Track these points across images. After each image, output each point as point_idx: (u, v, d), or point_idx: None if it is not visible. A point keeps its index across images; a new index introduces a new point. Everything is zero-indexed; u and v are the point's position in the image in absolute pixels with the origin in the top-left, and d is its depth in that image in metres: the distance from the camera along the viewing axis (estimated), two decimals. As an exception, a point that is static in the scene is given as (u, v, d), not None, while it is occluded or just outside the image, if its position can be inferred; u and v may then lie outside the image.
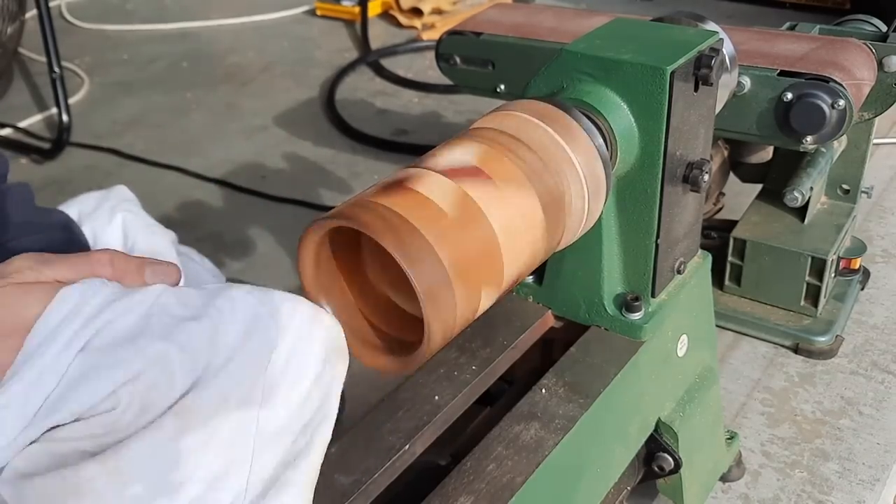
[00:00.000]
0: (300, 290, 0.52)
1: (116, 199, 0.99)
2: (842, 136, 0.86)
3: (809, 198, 1.04)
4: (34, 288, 0.47)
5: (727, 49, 0.75)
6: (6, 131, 1.83)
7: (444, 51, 1.07)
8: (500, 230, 0.49)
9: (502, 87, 1.03)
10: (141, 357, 0.43)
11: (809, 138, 0.86)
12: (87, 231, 0.89)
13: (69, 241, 0.83)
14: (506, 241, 0.49)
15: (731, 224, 1.11)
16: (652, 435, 0.71)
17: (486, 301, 0.49)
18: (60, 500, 0.41)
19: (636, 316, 0.65)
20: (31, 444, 0.44)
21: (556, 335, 0.70)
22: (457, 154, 0.51)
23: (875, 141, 1.18)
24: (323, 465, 0.56)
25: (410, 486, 0.58)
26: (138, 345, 0.43)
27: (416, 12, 2.28)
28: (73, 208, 0.93)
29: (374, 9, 2.30)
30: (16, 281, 0.47)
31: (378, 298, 0.53)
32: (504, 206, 0.50)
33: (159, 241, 0.89)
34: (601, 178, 0.55)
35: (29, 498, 0.42)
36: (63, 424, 0.44)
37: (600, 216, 0.60)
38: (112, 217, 0.94)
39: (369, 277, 0.53)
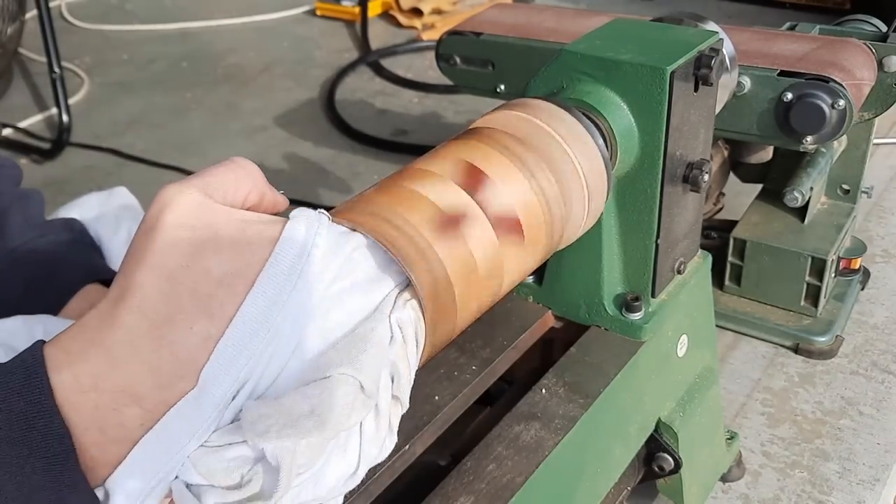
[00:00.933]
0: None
1: (119, 206, 1.00)
2: (842, 136, 0.86)
3: (809, 198, 1.04)
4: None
5: (727, 49, 0.75)
6: (6, 131, 1.83)
7: (444, 51, 1.07)
8: (507, 283, 0.50)
9: (502, 87, 1.03)
10: None
11: (809, 138, 0.86)
12: (91, 237, 0.90)
13: (75, 241, 0.83)
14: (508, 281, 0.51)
15: (731, 224, 1.11)
16: (652, 435, 0.71)
17: (486, 301, 0.50)
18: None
19: (636, 316, 0.65)
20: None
21: (556, 335, 0.70)
22: (507, 192, 0.50)
23: (875, 141, 1.18)
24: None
25: (410, 486, 0.58)
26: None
27: (416, 12, 2.28)
28: (74, 211, 0.93)
29: (374, 9, 2.30)
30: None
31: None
32: (524, 263, 0.51)
33: None
34: (601, 178, 0.55)
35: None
36: None
37: (600, 216, 0.60)
38: (118, 226, 0.94)
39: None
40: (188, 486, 0.40)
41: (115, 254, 0.88)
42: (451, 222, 0.46)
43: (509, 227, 0.49)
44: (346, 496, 0.50)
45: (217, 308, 0.39)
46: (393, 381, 0.43)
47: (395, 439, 0.44)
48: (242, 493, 0.38)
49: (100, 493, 0.40)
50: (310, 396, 0.38)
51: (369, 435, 0.42)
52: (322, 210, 0.44)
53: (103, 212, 0.96)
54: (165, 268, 0.39)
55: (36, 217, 0.81)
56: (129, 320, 0.39)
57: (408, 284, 0.44)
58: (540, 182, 0.51)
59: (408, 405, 0.44)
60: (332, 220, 0.44)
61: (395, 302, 0.43)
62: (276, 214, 0.45)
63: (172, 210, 0.41)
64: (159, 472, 0.39)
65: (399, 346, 0.43)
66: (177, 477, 0.40)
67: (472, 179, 0.49)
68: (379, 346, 0.41)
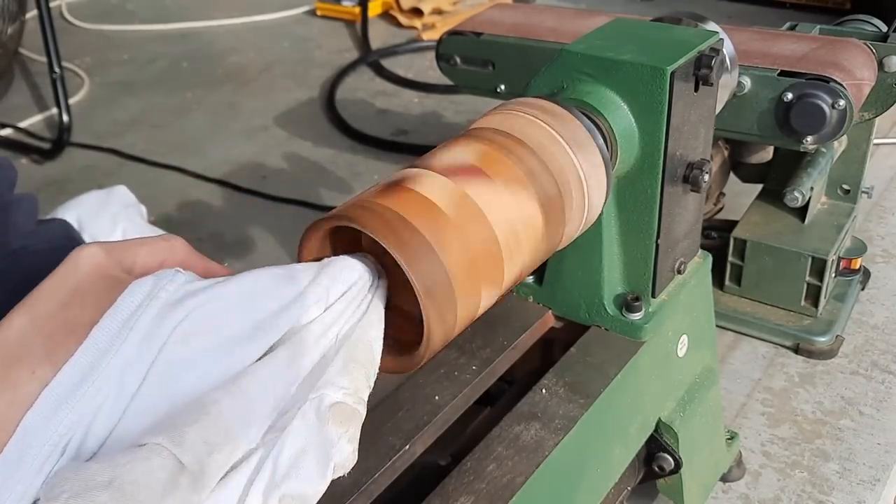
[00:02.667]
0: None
1: (118, 205, 1.00)
2: (842, 136, 0.86)
3: (810, 198, 1.04)
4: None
5: (727, 49, 0.75)
6: (6, 131, 1.83)
7: (444, 51, 1.07)
8: (500, 230, 0.49)
9: (502, 87, 1.03)
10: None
11: (810, 138, 0.86)
12: (87, 238, 0.90)
13: (66, 248, 0.83)
14: (506, 240, 0.49)
15: (732, 224, 1.11)
16: (652, 435, 0.71)
17: (486, 301, 0.49)
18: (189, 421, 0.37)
19: (636, 316, 0.65)
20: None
21: (556, 335, 0.70)
22: (456, 154, 0.51)
23: (875, 141, 1.19)
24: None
25: (410, 486, 0.58)
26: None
27: (417, 12, 2.28)
28: (72, 211, 0.93)
29: (374, 9, 2.30)
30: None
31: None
32: (504, 206, 0.49)
33: None
34: (601, 178, 0.55)
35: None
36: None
37: (600, 216, 0.60)
38: (115, 226, 0.94)
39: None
40: None
41: None
42: (394, 184, 0.47)
43: (465, 172, 0.49)
44: (346, 496, 0.50)
45: (62, 356, 0.40)
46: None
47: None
48: None
49: None
50: (114, 465, 0.35)
51: None
52: (180, 270, 0.43)
53: (101, 212, 0.96)
54: (33, 310, 0.41)
55: (26, 224, 0.81)
56: None
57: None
58: (540, 182, 0.51)
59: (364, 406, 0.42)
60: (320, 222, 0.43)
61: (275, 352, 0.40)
62: None
63: (67, 264, 0.43)
64: None
65: (323, 482, 0.39)
66: None
67: (464, 172, 0.49)
68: (218, 418, 0.37)
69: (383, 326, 0.45)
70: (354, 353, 0.42)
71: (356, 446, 0.41)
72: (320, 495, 0.40)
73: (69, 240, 0.83)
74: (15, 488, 0.37)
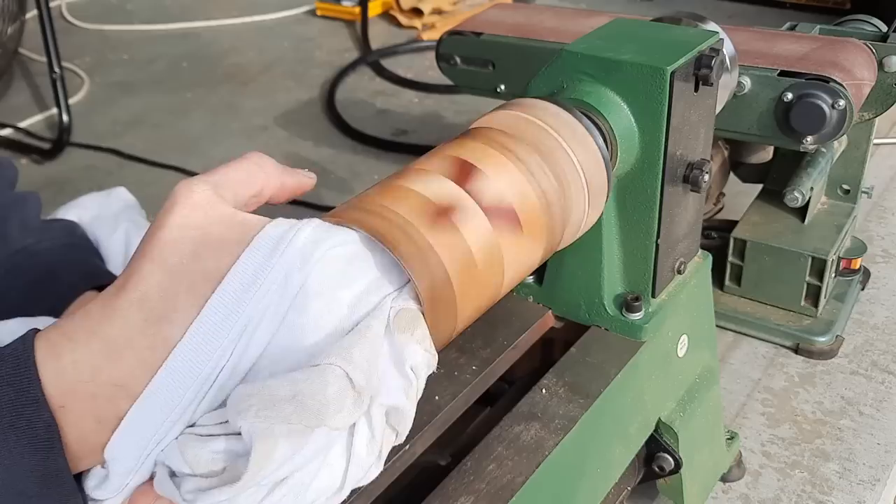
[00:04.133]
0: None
1: (118, 206, 1.00)
2: (842, 136, 0.86)
3: (810, 198, 1.04)
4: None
5: (727, 49, 0.75)
6: (6, 131, 1.83)
7: (444, 51, 1.07)
8: (508, 278, 0.50)
9: (502, 87, 1.03)
10: None
11: (810, 138, 0.86)
12: (91, 238, 0.90)
13: (74, 245, 0.83)
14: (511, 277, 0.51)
15: (732, 224, 1.11)
16: (652, 435, 0.71)
17: (486, 302, 0.50)
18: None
19: (636, 316, 0.65)
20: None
21: (556, 335, 0.70)
22: (502, 184, 0.50)
23: (875, 141, 1.19)
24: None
25: (410, 486, 0.58)
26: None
27: (417, 12, 2.28)
28: (72, 212, 0.93)
29: (374, 9, 2.30)
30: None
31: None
32: (524, 255, 0.50)
33: None
34: (601, 178, 0.55)
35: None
36: None
37: (600, 216, 0.60)
38: (116, 227, 0.94)
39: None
40: (171, 472, 0.40)
41: (113, 254, 0.88)
42: (442, 213, 0.46)
43: (504, 216, 0.49)
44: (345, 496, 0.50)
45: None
46: (391, 414, 0.42)
47: (381, 468, 0.43)
48: (219, 482, 0.38)
49: (97, 472, 0.41)
50: (294, 381, 0.38)
51: (359, 455, 0.41)
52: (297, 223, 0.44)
53: (102, 213, 0.95)
54: (166, 263, 0.40)
55: (33, 220, 0.81)
56: (129, 313, 0.40)
57: (405, 284, 0.44)
58: (540, 182, 0.51)
59: (403, 439, 0.44)
60: (325, 219, 0.44)
61: (390, 308, 0.43)
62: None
63: (180, 208, 0.42)
64: (146, 448, 0.40)
65: (410, 384, 0.43)
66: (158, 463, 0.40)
67: (462, 172, 0.49)
68: (373, 343, 0.41)
69: None
70: None
71: (428, 346, 0.43)
72: (413, 403, 0.43)
73: (77, 237, 0.83)
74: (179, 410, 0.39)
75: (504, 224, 0.49)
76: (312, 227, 0.42)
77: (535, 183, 0.51)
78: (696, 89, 0.60)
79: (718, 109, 0.72)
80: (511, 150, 0.52)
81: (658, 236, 0.63)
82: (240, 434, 0.38)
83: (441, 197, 0.47)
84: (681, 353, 0.71)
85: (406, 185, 0.47)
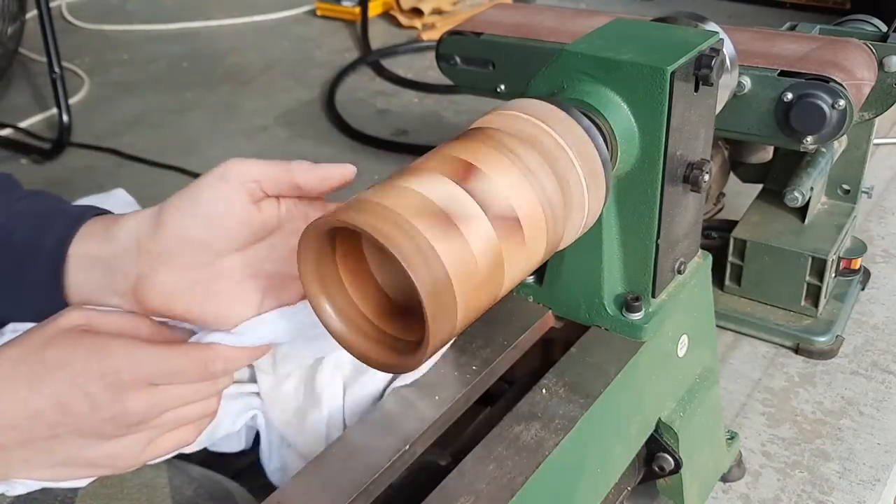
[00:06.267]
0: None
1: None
2: (842, 136, 0.86)
3: (810, 198, 1.04)
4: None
5: (727, 49, 0.75)
6: (6, 131, 1.83)
7: (444, 51, 1.07)
8: (509, 278, 0.50)
9: (502, 87, 1.03)
10: None
11: (810, 138, 0.86)
12: None
13: (65, 202, 0.81)
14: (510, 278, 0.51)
15: (732, 224, 1.11)
16: (652, 435, 0.71)
17: (487, 302, 0.50)
18: None
19: (636, 316, 0.65)
20: None
21: (556, 335, 0.70)
22: (503, 185, 0.50)
23: (875, 141, 1.19)
24: (323, 465, 0.56)
25: (410, 486, 0.58)
26: None
27: (417, 12, 2.28)
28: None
29: (374, 9, 2.30)
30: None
31: (380, 298, 0.53)
32: (524, 256, 0.50)
33: None
34: (601, 178, 0.55)
35: None
36: None
37: (600, 216, 0.60)
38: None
39: (370, 277, 0.53)
40: None
41: None
42: (442, 213, 0.46)
43: (505, 217, 0.49)
44: (346, 496, 0.51)
45: None
46: None
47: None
48: None
49: None
50: None
51: None
52: None
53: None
54: None
55: (16, 186, 0.79)
56: None
57: None
58: (540, 182, 0.51)
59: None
60: (326, 219, 0.45)
61: None
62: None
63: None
64: None
65: None
66: None
67: (463, 172, 0.49)
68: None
69: None
70: None
71: None
72: None
73: (58, 201, 0.80)
74: None
75: (505, 225, 0.49)
76: None
77: (535, 183, 0.51)
78: (697, 89, 0.60)
79: (718, 109, 0.72)
80: (511, 150, 0.52)
81: (658, 236, 0.63)
82: None
83: (442, 197, 0.47)
84: (681, 353, 0.71)
85: (407, 186, 0.47)
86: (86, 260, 0.56)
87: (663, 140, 0.58)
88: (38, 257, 0.57)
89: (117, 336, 0.52)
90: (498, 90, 1.04)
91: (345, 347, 0.51)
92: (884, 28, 1.02)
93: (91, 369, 0.50)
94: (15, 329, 0.60)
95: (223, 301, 0.54)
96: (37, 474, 0.52)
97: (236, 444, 0.68)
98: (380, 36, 2.21)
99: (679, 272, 0.68)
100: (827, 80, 0.83)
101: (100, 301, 0.56)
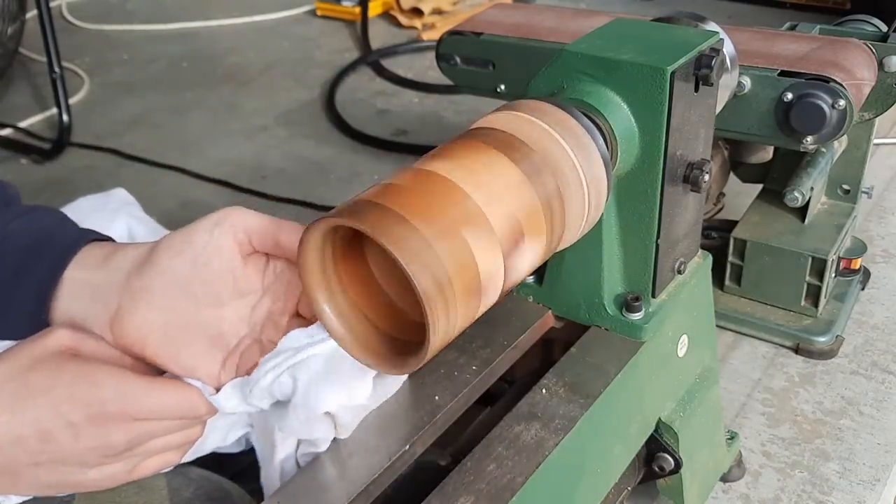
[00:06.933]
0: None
1: (117, 203, 0.99)
2: (842, 136, 0.86)
3: (810, 198, 1.04)
4: None
5: (727, 49, 0.75)
6: (6, 131, 1.83)
7: (444, 51, 1.07)
8: (509, 280, 0.50)
9: (502, 87, 1.03)
10: None
11: (810, 138, 0.86)
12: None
13: (63, 219, 0.81)
14: (507, 245, 0.50)
15: (732, 224, 1.11)
16: (652, 435, 0.71)
17: (487, 302, 0.49)
18: None
19: (636, 316, 0.65)
20: None
21: (556, 335, 0.70)
22: (503, 186, 0.50)
23: (875, 141, 1.18)
24: (323, 465, 0.56)
25: (410, 486, 0.58)
26: None
27: (417, 12, 2.28)
28: (69, 213, 0.92)
29: (374, 9, 2.30)
30: None
31: (380, 299, 0.53)
32: (525, 258, 0.51)
33: None
34: (601, 178, 0.55)
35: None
36: None
37: (600, 216, 0.60)
38: (114, 218, 0.93)
39: (371, 278, 0.53)
40: None
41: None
42: (443, 213, 0.47)
43: (512, 227, 0.49)
44: (346, 496, 0.51)
45: None
46: None
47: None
48: None
49: None
50: None
51: None
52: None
53: (99, 209, 0.95)
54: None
55: (15, 200, 0.79)
56: None
57: None
58: (541, 183, 0.51)
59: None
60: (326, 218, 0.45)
61: None
62: None
63: None
64: None
65: None
66: None
67: (513, 241, 0.49)
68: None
69: None
70: None
71: None
72: None
73: (65, 216, 0.80)
74: None
75: (506, 225, 0.49)
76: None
77: (535, 184, 0.51)
78: (697, 89, 0.60)
79: (718, 109, 0.72)
80: (512, 150, 0.52)
81: (658, 236, 0.63)
82: None
83: (443, 198, 0.47)
84: (681, 353, 0.71)
85: (407, 186, 0.47)
86: (78, 285, 0.55)
87: (663, 140, 0.58)
88: (28, 286, 0.56)
89: (104, 364, 0.51)
90: (498, 90, 1.04)
91: (345, 348, 0.51)
92: (884, 28, 1.02)
93: (76, 397, 0.49)
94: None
95: (194, 352, 0.54)
96: (26, 492, 0.52)
97: (235, 445, 0.68)
98: (380, 36, 2.21)
99: (679, 272, 0.68)
100: (827, 80, 0.83)
101: (82, 328, 0.55)
